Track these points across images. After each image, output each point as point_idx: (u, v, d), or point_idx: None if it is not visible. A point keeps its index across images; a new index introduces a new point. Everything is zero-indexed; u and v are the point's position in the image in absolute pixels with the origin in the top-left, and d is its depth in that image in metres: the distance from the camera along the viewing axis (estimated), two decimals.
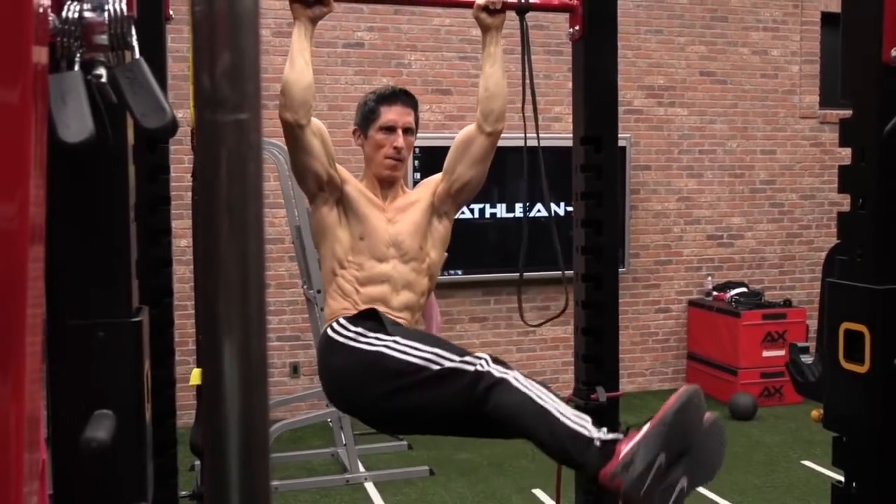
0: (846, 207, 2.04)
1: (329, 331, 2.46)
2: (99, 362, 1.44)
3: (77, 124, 1.03)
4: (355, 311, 2.46)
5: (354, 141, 2.71)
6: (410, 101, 2.67)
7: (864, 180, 1.92)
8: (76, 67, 1.11)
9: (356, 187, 2.59)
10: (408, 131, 2.62)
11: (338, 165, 2.57)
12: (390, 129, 2.59)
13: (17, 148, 0.91)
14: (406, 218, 2.60)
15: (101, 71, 1.14)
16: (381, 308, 2.48)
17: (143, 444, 1.51)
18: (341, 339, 2.39)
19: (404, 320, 2.53)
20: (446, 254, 2.76)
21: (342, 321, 2.43)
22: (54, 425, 1.47)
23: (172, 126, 1.13)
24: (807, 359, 2.16)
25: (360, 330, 2.37)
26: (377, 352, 2.29)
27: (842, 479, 2.04)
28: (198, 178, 0.68)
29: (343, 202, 2.56)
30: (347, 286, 2.51)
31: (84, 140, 1.03)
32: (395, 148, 2.58)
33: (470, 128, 2.65)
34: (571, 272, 2.78)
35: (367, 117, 2.64)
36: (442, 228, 2.68)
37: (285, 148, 4.73)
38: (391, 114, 2.60)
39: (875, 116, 1.90)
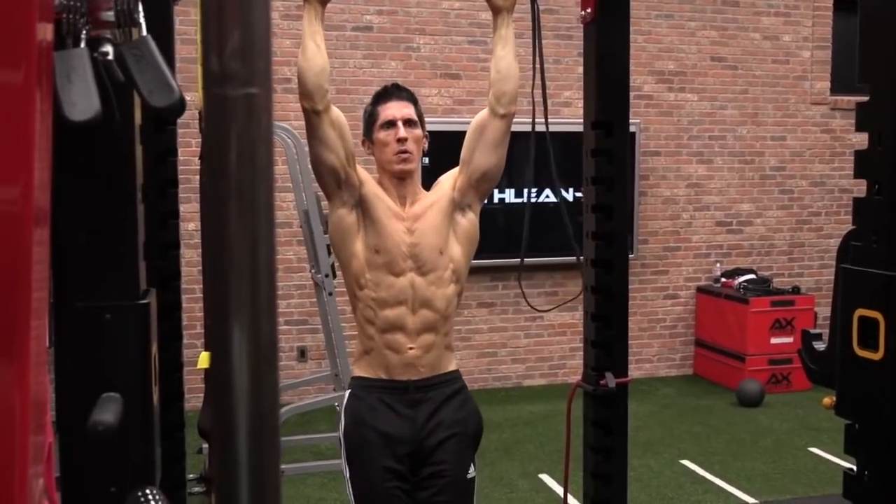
0: (856, 194, 2.01)
1: (347, 394, 2.61)
2: (106, 345, 1.43)
3: (83, 102, 1.01)
4: (368, 373, 2.56)
5: (365, 152, 2.67)
6: (405, 94, 2.62)
7: (880, 165, 1.89)
8: (82, 44, 1.09)
9: (374, 191, 2.53)
10: (410, 123, 2.56)
11: (358, 167, 2.54)
12: (391, 124, 2.55)
13: (20, 129, 0.90)
14: (425, 225, 2.53)
15: (108, 48, 1.12)
16: (398, 337, 2.49)
17: (151, 427, 1.51)
18: (343, 422, 2.58)
19: (420, 350, 2.50)
20: None
21: (349, 399, 2.59)
22: (61, 408, 1.46)
23: (180, 104, 1.12)
24: (819, 346, 2.14)
25: (347, 436, 2.54)
26: (344, 477, 2.56)
27: (851, 466, 2.02)
28: (205, 158, 0.66)
29: (361, 205, 2.52)
30: (368, 311, 2.52)
31: (90, 118, 1.01)
32: (399, 140, 2.53)
33: (483, 113, 2.61)
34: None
35: (368, 122, 2.62)
36: (466, 223, 2.60)
37: (293, 131, 4.73)
38: (388, 109, 2.56)
39: (892, 100, 1.87)
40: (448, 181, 2.63)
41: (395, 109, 2.56)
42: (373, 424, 2.49)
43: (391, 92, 2.62)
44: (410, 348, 2.49)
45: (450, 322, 2.59)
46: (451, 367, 2.60)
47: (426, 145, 2.69)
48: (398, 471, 2.48)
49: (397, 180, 2.58)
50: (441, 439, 2.51)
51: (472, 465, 2.57)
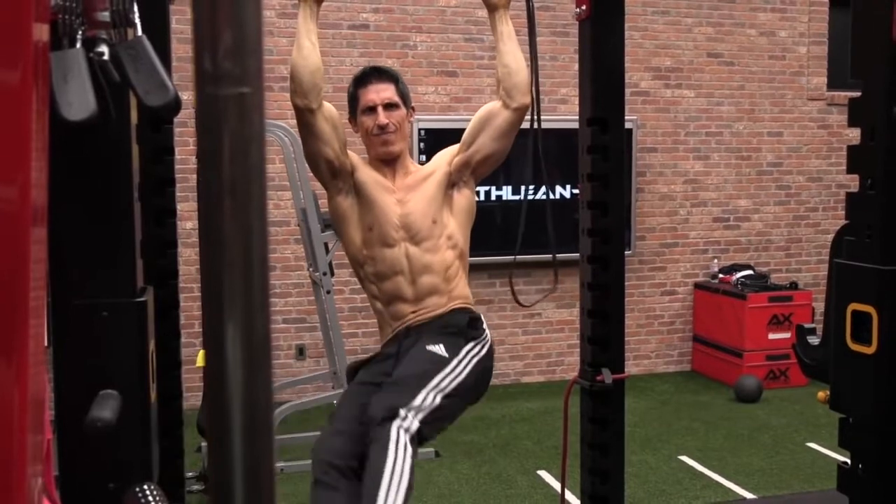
0: (854, 190, 2.02)
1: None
2: (103, 342, 1.43)
3: (79, 102, 1.01)
4: (383, 339, 2.61)
5: (353, 131, 2.70)
6: (385, 75, 2.62)
7: (872, 160, 1.90)
8: (78, 45, 1.10)
9: (366, 173, 2.59)
10: (390, 106, 2.57)
11: (350, 152, 2.57)
12: (371, 110, 2.57)
13: (17, 129, 0.90)
14: (417, 196, 2.57)
15: (104, 48, 1.13)
16: (399, 307, 2.53)
17: (148, 423, 1.51)
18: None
19: (425, 312, 2.51)
20: None
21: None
22: (59, 405, 1.47)
23: (175, 104, 1.12)
24: (814, 340, 2.15)
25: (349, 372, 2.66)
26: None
27: (847, 460, 2.04)
28: (199, 157, 0.67)
29: (355, 189, 2.57)
30: (372, 287, 2.59)
31: (86, 118, 1.02)
32: (379, 126, 2.56)
33: (493, 104, 2.61)
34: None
35: (351, 105, 2.65)
36: (463, 199, 2.63)
37: (291, 130, 4.73)
38: (368, 94, 2.58)
39: (884, 96, 1.88)
40: (444, 157, 2.65)
41: (374, 94, 2.57)
42: (366, 367, 2.58)
43: (370, 75, 2.62)
44: (412, 312, 2.53)
45: (456, 280, 2.57)
46: (462, 305, 2.57)
47: (412, 119, 2.69)
48: (372, 381, 2.49)
49: (384, 161, 2.62)
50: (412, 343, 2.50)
51: (439, 346, 2.44)
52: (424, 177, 2.61)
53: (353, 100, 2.62)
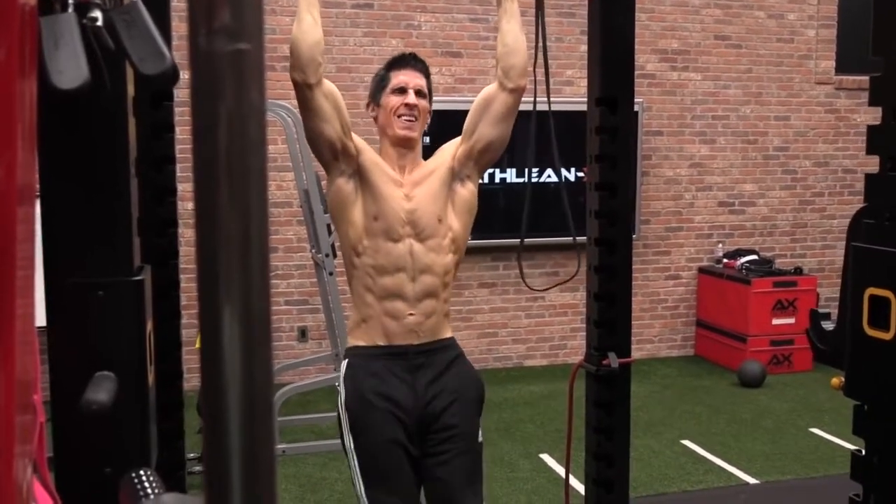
0: (859, 175, 1.98)
1: (345, 365, 2.54)
2: (99, 322, 1.39)
3: (71, 70, 0.97)
4: (366, 341, 2.51)
5: (368, 114, 2.64)
6: (420, 65, 2.60)
7: (893, 140, 1.85)
8: (70, 9, 1.05)
9: (372, 159, 2.50)
10: (420, 93, 2.54)
11: (353, 135, 2.50)
12: (401, 90, 2.52)
13: (2, 104, 0.86)
14: (423, 191, 2.51)
15: (97, 13, 1.08)
16: (397, 304, 2.45)
17: (146, 406, 1.48)
18: (342, 393, 2.50)
19: (421, 316, 2.46)
20: None
21: (347, 369, 2.52)
22: (54, 387, 1.43)
23: (172, 72, 1.07)
24: (828, 326, 2.11)
25: (349, 407, 2.47)
26: (345, 450, 2.50)
27: (851, 446, 2.00)
28: (193, 125, 0.62)
29: (359, 174, 2.49)
30: (366, 279, 2.48)
31: (79, 86, 0.97)
32: (407, 105, 2.51)
33: (491, 87, 2.57)
34: (582, 238, 2.72)
35: (378, 86, 2.58)
36: (466, 193, 2.58)
37: (293, 110, 4.68)
38: (401, 76, 2.54)
39: None
40: (449, 150, 2.61)
41: (409, 77, 2.54)
42: (375, 390, 2.44)
43: (408, 60, 2.59)
44: (411, 314, 2.46)
45: (449, 289, 2.56)
46: (448, 334, 2.58)
47: (429, 121, 2.66)
48: (403, 440, 2.44)
49: (398, 149, 2.55)
50: (446, 404, 2.47)
51: (479, 431, 2.55)
52: (429, 172, 2.55)
53: (383, 80, 2.56)
